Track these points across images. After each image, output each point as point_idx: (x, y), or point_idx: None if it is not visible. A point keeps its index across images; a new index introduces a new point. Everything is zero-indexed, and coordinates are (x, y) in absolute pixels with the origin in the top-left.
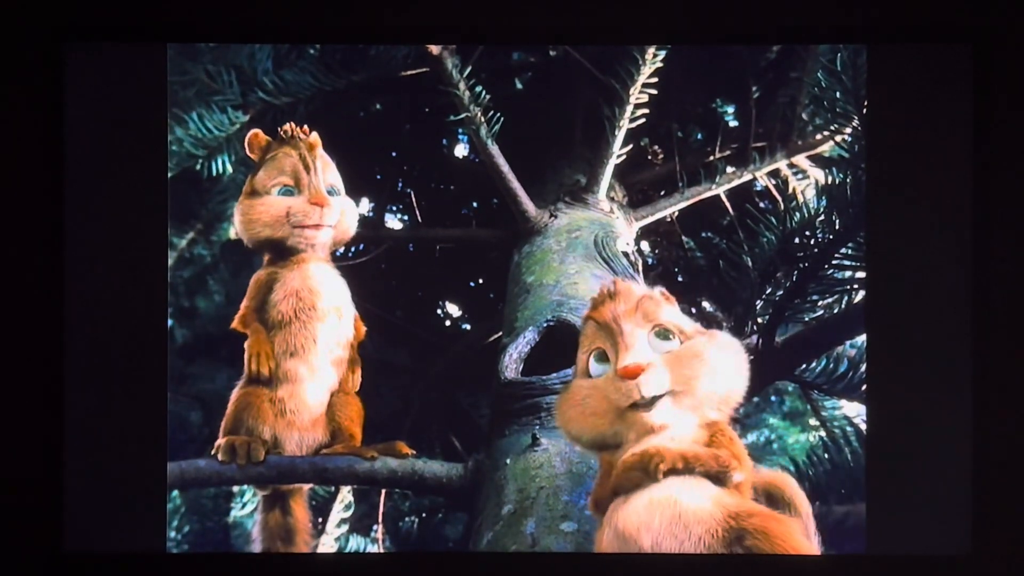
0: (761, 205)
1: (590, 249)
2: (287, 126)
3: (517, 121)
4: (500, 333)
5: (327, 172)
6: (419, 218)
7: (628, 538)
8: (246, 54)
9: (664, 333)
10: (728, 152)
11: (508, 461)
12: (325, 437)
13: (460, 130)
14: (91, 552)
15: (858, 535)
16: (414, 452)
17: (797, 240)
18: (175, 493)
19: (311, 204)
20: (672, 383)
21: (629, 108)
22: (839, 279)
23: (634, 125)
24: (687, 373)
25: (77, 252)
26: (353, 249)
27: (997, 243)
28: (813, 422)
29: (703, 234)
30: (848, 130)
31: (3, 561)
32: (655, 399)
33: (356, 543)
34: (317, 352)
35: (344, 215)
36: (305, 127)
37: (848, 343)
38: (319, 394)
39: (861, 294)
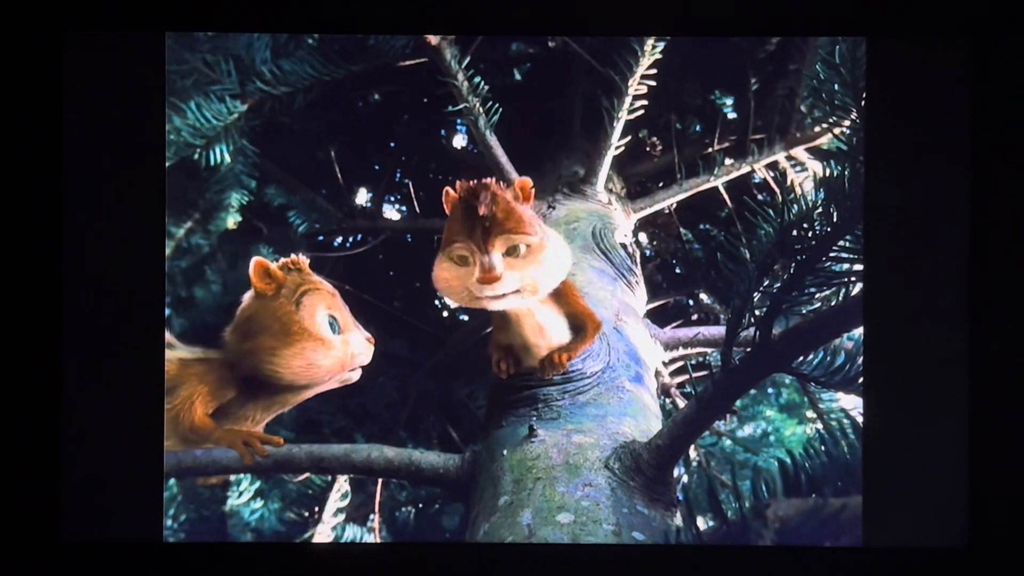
0: (759, 197)
1: (588, 241)
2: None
3: (516, 112)
4: None
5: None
6: (417, 209)
7: None
8: (244, 44)
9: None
10: (726, 144)
11: (505, 452)
12: None
13: (459, 121)
14: (88, 541)
15: (854, 528)
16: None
17: (795, 232)
18: (172, 482)
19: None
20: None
21: (628, 99)
22: (837, 272)
23: (633, 117)
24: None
25: (74, 242)
26: (351, 239)
27: (995, 236)
28: (810, 414)
29: (701, 226)
30: (846, 123)
31: (1, 550)
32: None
33: (352, 532)
34: None
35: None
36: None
37: (845, 336)
38: None
39: (859, 287)
